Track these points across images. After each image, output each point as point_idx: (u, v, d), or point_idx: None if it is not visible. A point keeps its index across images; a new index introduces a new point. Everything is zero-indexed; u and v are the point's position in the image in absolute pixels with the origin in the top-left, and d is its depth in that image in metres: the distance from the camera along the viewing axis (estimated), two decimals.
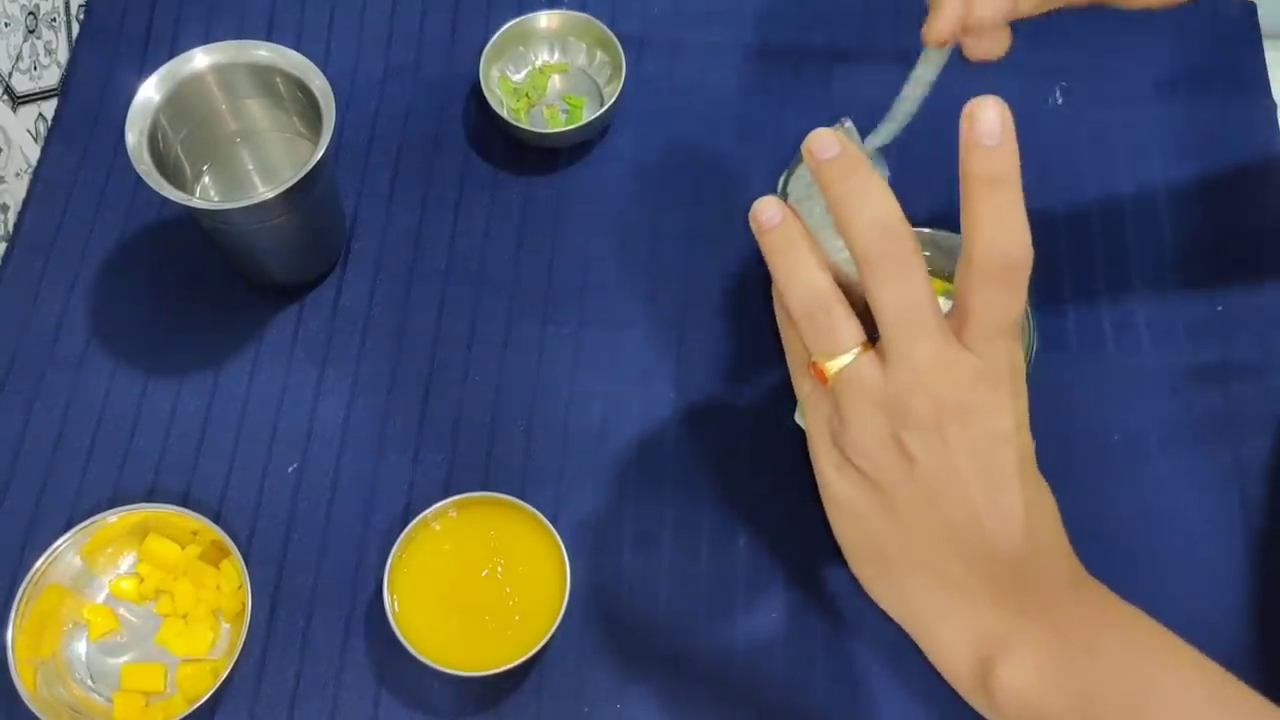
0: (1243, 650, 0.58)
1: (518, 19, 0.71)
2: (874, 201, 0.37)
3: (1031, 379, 0.53)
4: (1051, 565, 0.40)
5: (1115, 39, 0.75)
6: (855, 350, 0.38)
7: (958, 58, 0.49)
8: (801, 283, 0.39)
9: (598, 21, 0.71)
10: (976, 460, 0.37)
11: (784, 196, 0.44)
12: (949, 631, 0.39)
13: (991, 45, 0.48)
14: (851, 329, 0.39)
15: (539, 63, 0.73)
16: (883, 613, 0.58)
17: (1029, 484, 0.39)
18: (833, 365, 0.39)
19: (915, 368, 0.37)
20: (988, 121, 0.36)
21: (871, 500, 0.40)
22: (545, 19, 0.72)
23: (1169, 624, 0.58)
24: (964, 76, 0.75)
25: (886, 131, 0.49)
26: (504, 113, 0.69)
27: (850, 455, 0.39)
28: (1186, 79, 0.74)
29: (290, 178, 0.56)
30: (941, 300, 0.56)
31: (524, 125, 0.69)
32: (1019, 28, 0.55)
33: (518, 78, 0.73)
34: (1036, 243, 0.70)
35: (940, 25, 0.46)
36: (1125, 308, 0.66)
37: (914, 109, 0.47)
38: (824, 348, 0.39)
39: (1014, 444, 0.38)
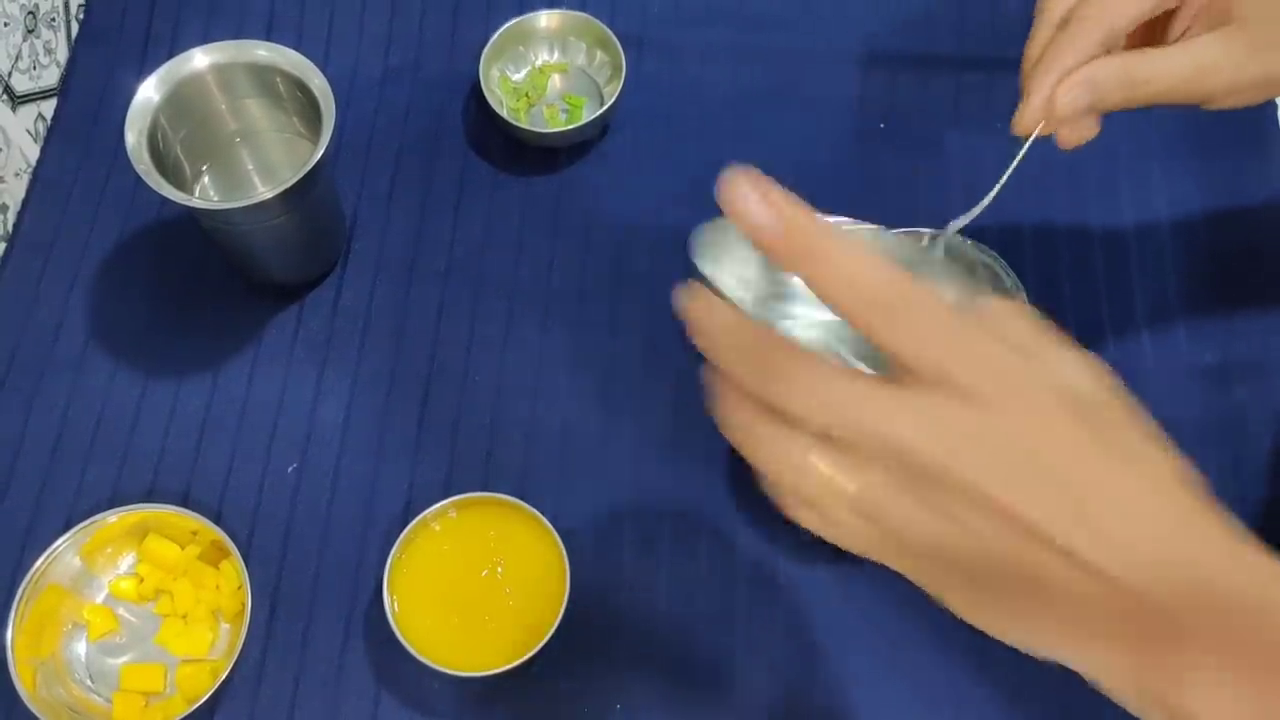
0: None
1: (518, 19, 0.71)
2: (721, 331, 0.34)
3: None
4: (1192, 547, 0.31)
5: None
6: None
7: None
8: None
9: (598, 21, 0.71)
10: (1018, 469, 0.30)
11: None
12: (1094, 661, 0.32)
13: (1081, 132, 0.50)
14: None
15: (539, 63, 0.73)
16: (882, 614, 0.58)
17: (1104, 463, 0.31)
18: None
19: (887, 439, 0.31)
20: (759, 218, 0.32)
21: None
22: (545, 19, 0.72)
23: None
24: (964, 72, 0.75)
25: (971, 215, 0.52)
26: (504, 113, 0.69)
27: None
28: None
29: (290, 178, 0.56)
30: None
31: (524, 125, 0.69)
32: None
33: (518, 77, 0.73)
34: (1036, 243, 0.70)
35: (1025, 119, 0.49)
36: (1125, 307, 0.66)
37: (998, 191, 0.51)
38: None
39: (1051, 431, 0.31)
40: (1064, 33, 0.47)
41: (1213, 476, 0.63)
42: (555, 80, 0.73)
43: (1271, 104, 0.73)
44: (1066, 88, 0.47)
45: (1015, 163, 0.49)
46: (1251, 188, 0.70)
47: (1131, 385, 0.67)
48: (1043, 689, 0.57)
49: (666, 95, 0.73)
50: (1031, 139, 0.49)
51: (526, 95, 0.72)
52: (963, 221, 0.51)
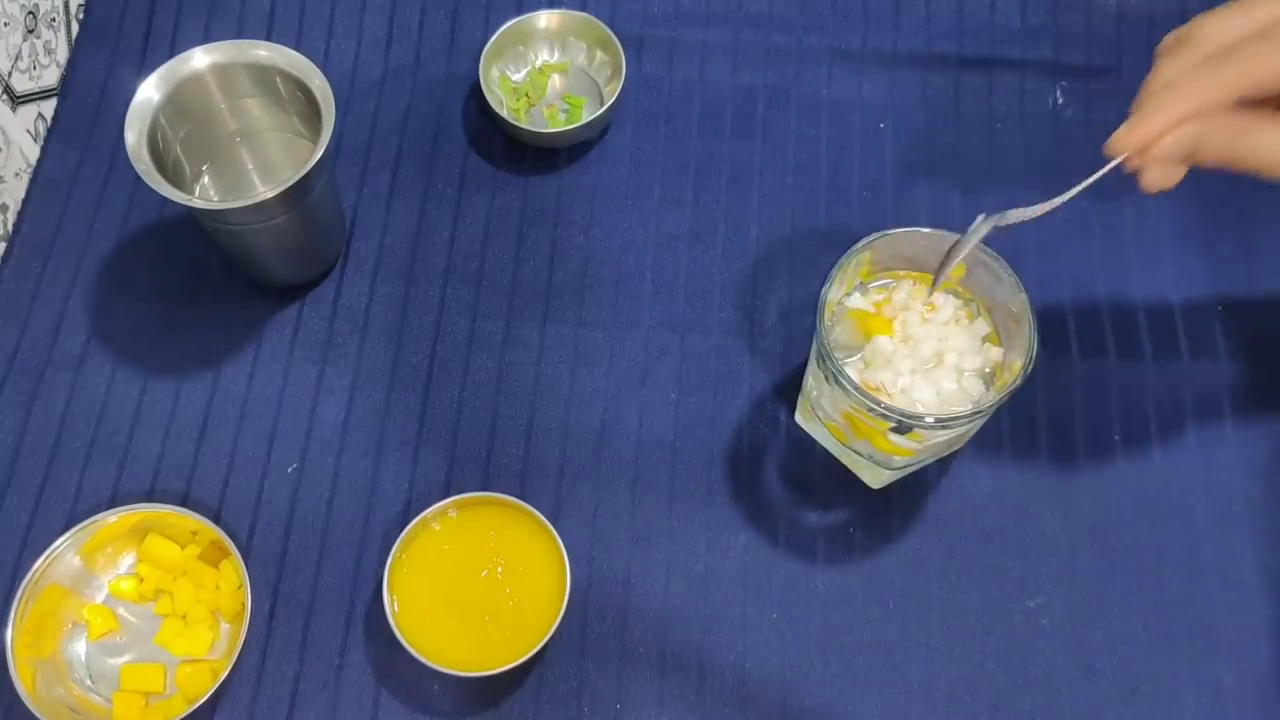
0: (1244, 650, 0.58)
1: (518, 18, 0.71)
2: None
3: (1032, 377, 0.53)
4: None
5: (1115, 38, 0.75)
6: None
7: None
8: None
9: (598, 21, 0.71)
10: None
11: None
12: None
13: (1165, 177, 0.47)
14: None
15: (539, 62, 0.73)
16: (882, 614, 0.58)
17: None
18: None
19: None
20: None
21: None
22: (545, 19, 0.72)
23: (1170, 622, 0.58)
24: (963, 72, 0.75)
25: (1025, 214, 0.49)
26: (504, 113, 0.69)
27: None
28: None
29: (290, 177, 0.56)
30: (939, 295, 0.56)
31: (524, 125, 0.69)
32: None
33: (517, 77, 0.73)
34: (1036, 243, 0.70)
35: (1123, 144, 0.46)
36: (1125, 307, 0.66)
37: (1068, 199, 0.48)
38: None
39: None
40: (1209, 71, 0.44)
41: (1214, 475, 0.64)
42: (555, 80, 0.73)
43: None
44: (1175, 138, 0.45)
45: (1095, 177, 0.47)
46: (1251, 185, 0.70)
47: (1132, 388, 0.67)
48: (1041, 689, 0.57)
49: (666, 95, 0.73)
50: (1116, 161, 0.46)
51: (526, 95, 0.72)
52: (1021, 216, 0.49)
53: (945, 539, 0.60)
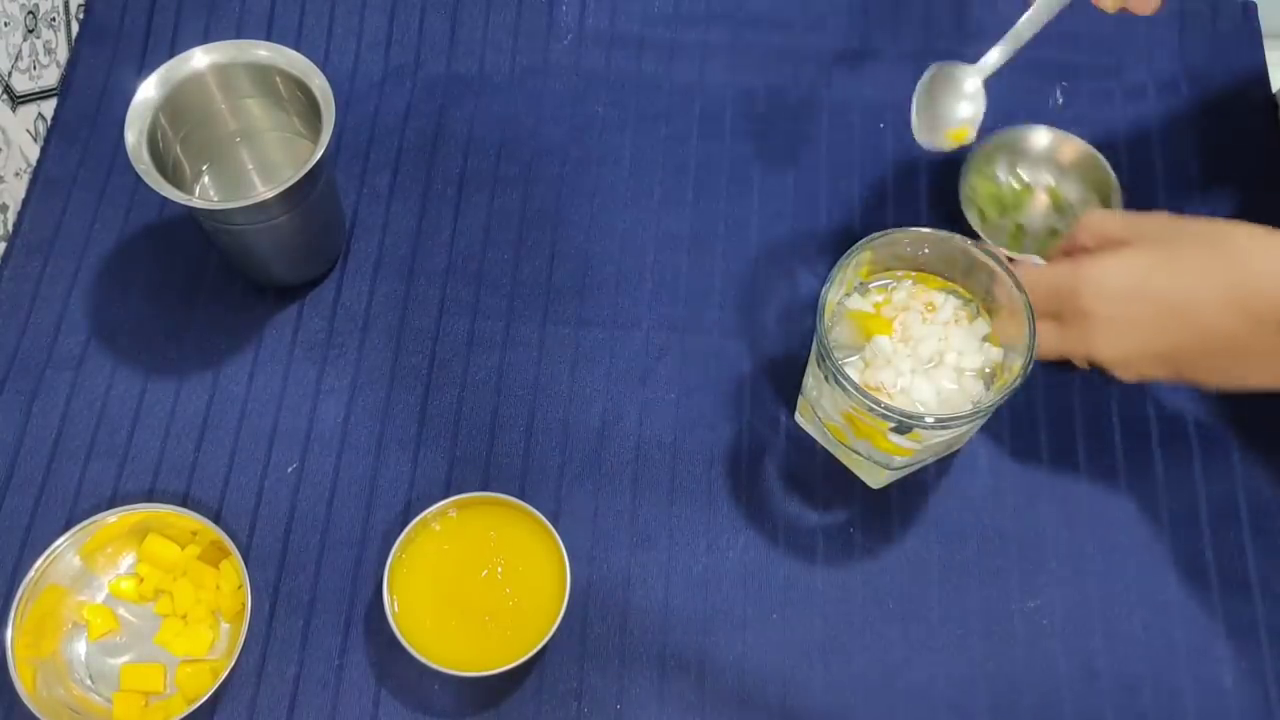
0: (1244, 650, 0.58)
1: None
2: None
3: (1033, 378, 0.53)
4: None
5: (1116, 39, 0.75)
6: None
7: None
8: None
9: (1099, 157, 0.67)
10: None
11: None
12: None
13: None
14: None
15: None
16: (880, 615, 0.58)
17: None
18: None
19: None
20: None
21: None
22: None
23: (1170, 622, 0.58)
24: None
25: (995, 59, 0.57)
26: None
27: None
28: (1186, 79, 0.74)
29: (290, 177, 0.56)
30: (939, 295, 0.56)
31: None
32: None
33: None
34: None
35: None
36: None
37: (1027, 39, 0.57)
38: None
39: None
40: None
41: (1216, 474, 0.64)
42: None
43: (1272, 104, 0.73)
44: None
45: (1044, 13, 0.53)
46: (1251, 186, 0.70)
47: (1132, 388, 0.67)
48: (1041, 690, 0.57)
49: (666, 95, 0.73)
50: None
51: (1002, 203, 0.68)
52: (985, 71, 0.57)
53: (945, 539, 0.60)
